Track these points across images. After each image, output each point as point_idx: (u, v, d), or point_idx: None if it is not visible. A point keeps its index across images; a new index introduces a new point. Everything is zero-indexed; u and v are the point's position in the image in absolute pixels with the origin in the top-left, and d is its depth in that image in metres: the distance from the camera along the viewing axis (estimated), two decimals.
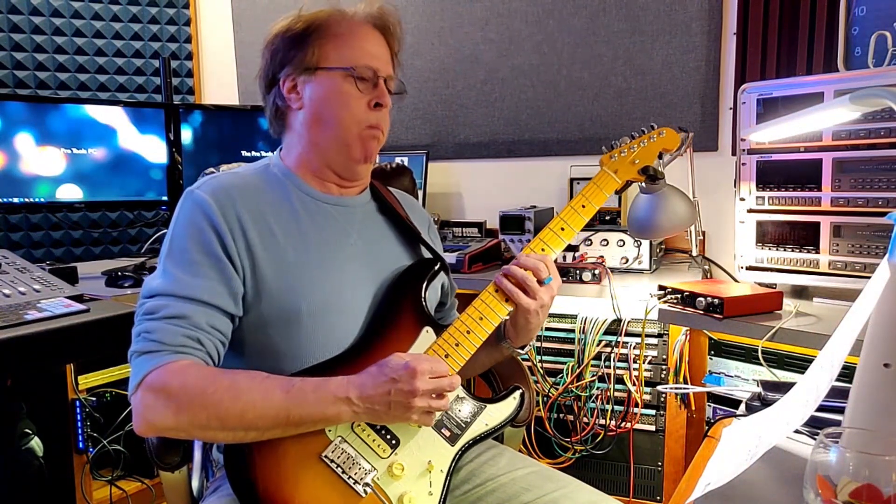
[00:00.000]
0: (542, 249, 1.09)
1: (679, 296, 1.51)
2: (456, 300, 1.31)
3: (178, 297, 0.95)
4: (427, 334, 1.05)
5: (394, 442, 0.98)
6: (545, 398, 1.93)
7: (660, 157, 1.24)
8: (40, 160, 2.00)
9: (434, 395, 0.93)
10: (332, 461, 0.95)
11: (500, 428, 1.06)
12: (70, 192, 2.07)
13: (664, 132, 1.18)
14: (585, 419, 1.91)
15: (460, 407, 1.04)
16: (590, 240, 1.96)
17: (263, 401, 0.91)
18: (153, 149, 2.20)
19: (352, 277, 1.06)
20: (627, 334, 1.85)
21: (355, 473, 0.95)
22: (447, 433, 1.02)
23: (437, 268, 1.12)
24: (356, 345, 1.03)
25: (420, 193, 2.41)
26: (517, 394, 1.08)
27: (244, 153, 2.35)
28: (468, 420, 1.04)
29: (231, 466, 0.95)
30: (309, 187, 1.09)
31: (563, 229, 1.11)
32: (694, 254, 1.86)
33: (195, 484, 1.15)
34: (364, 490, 0.95)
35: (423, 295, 1.08)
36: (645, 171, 1.17)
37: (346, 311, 1.04)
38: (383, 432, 0.98)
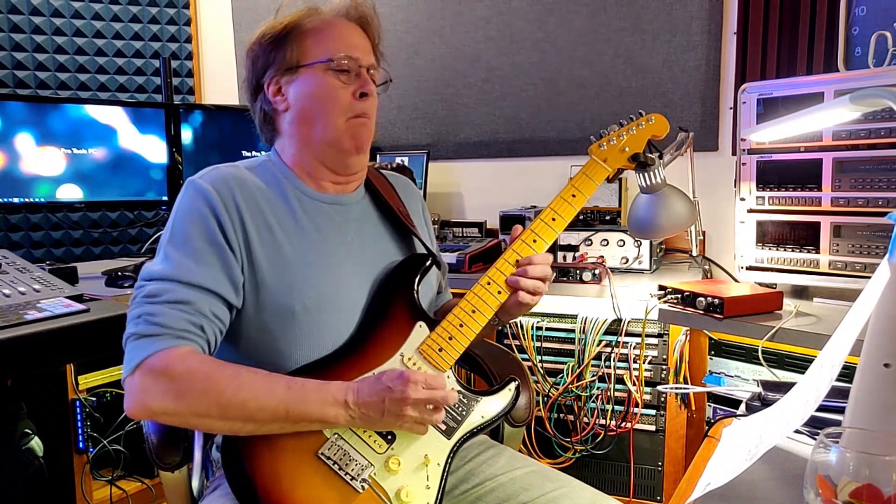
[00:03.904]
0: (534, 241, 1.10)
1: (679, 296, 1.51)
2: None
3: (181, 283, 0.95)
4: (420, 329, 1.05)
5: (389, 437, 0.98)
6: (545, 398, 1.93)
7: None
8: (40, 160, 2.00)
9: (429, 408, 0.95)
10: (328, 458, 0.95)
11: (495, 420, 1.06)
12: (70, 192, 2.07)
13: (653, 118, 1.18)
14: (585, 419, 1.91)
15: (456, 400, 1.04)
16: (590, 240, 1.96)
17: (266, 394, 0.92)
18: (153, 149, 2.20)
19: (348, 276, 1.06)
20: (627, 334, 1.85)
21: (352, 470, 0.95)
22: (443, 427, 1.02)
23: (428, 263, 1.12)
24: (350, 341, 1.03)
25: (421, 194, 2.41)
26: (512, 386, 1.09)
27: (244, 153, 2.35)
28: (464, 413, 1.04)
29: (228, 465, 0.95)
30: (306, 186, 1.09)
31: (554, 220, 1.11)
32: (694, 254, 1.86)
33: (195, 484, 1.15)
34: (361, 486, 0.95)
35: (415, 290, 1.09)
36: (635, 159, 1.16)
37: (342, 309, 1.05)
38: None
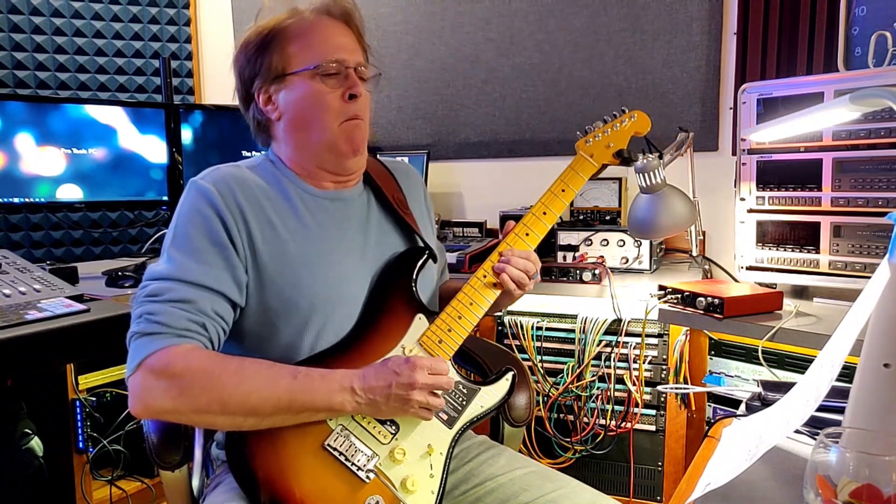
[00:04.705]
0: (527, 234, 1.13)
1: (679, 296, 1.51)
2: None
3: (184, 282, 0.95)
4: (420, 321, 1.07)
5: (393, 428, 1.00)
6: (545, 398, 1.93)
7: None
8: (40, 160, 2.00)
9: (430, 393, 0.96)
10: (334, 449, 0.96)
11: (494, 409, 1.08)
12: (70, 192, 2.07)
13: (635, 115, 1.23)
14: (585, 419, 1.91)
15: (456, 390, 1.06)
16: (590, 240, 1.96)
17: (268, 386, 0.92)
18: (153, 149, 2.20)
19: (351, 270, 1.07)
20: (627, 334, 1.85)
21: (358, 460, 0.96)
22: (444, 416, 1.04)
23: (425, 257, 1.13)
24: (351, 335, 1.04)
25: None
26: (509, 375, 1.10)
27: (244, 153, 2.35)
28: (464, 403, 1.06)
29: (233, 460, 0.96)
30: (306, 185, 1.10)
31: (545, 213, 1.14)
32: (694, 254, 1.86)
33: (195, 482, 1.15)
34: (367, 476, 0.96)
35: (413, 283, 1.09)
36: (619, 155, 1.21)
37: (345, 304, 1.05)
38: (383, 419, 1.00)
